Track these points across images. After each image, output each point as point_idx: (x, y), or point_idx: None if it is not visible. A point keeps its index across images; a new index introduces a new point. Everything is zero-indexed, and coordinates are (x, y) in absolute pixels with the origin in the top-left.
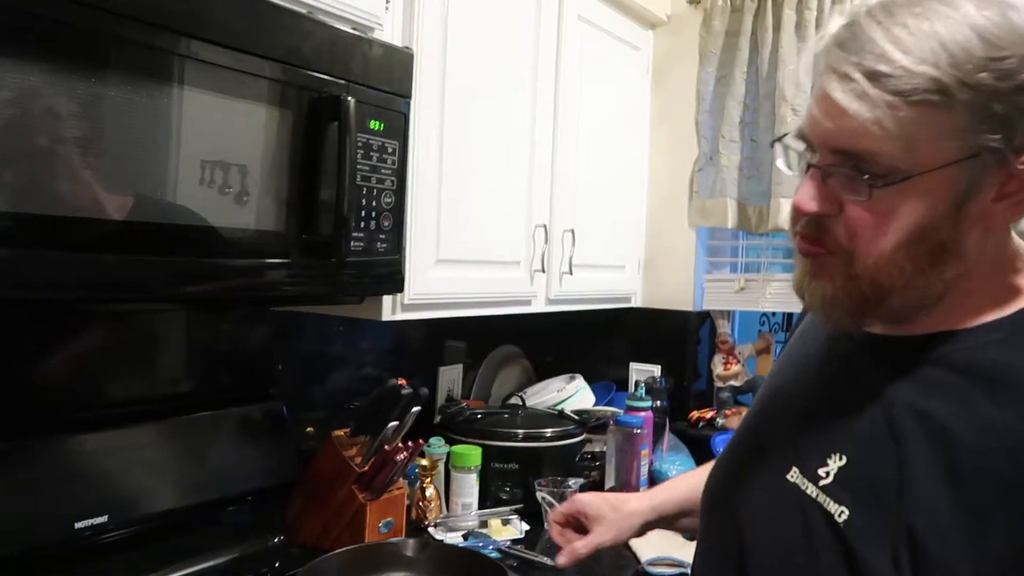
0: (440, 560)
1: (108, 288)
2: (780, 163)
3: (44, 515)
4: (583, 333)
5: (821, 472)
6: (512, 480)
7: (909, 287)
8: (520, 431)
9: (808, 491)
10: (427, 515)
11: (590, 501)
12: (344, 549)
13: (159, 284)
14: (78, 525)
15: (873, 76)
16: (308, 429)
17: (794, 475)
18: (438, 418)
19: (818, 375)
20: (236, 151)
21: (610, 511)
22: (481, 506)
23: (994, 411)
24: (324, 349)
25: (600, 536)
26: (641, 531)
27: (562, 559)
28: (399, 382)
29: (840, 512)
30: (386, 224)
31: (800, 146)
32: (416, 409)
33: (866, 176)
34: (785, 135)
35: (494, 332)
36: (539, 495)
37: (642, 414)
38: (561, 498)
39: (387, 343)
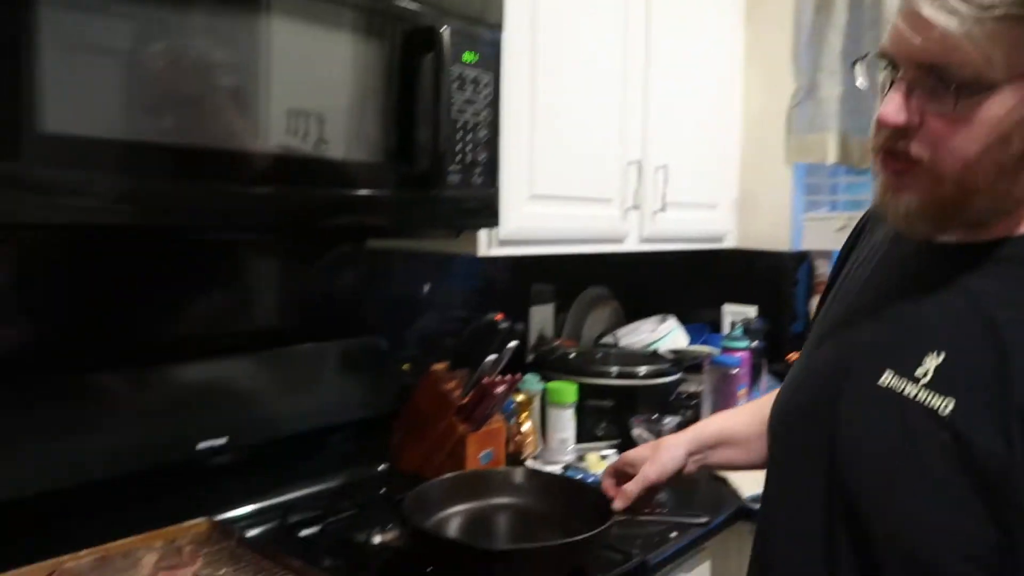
0: (548, 489)
1: (218, 216)
2: (860, 83)
3: (169, 436)
4: (674, 274)
5: (919, 372)
6: (607, 417)
7: (992, 191)
8: (614, 368)
9: (906, 391)
10: (523, 449)
11: (631, 452)
12: (456, 473)
13: (261, 213)
14: (200, 446)
15: None
16: (404, 366)
17: (887, 379)
18: (531, 356)
19: (894, 287)
20: (334, 83)
21: (651, 451)
22: (577, 443)
23: None
24: (417, 289)
25: (645, 473)
26: (684, 461)
27: (618, 503)
28: (497, 317)
29: (944, 405)
30: (481, 157)
31: (882, 64)
32: (513, 343)
33: (951, 87)
34: (867, 55)
35: (584, 273)
36: (634, 432)
37: (739, 354)
38: (657, 435)
39: (478, 284)
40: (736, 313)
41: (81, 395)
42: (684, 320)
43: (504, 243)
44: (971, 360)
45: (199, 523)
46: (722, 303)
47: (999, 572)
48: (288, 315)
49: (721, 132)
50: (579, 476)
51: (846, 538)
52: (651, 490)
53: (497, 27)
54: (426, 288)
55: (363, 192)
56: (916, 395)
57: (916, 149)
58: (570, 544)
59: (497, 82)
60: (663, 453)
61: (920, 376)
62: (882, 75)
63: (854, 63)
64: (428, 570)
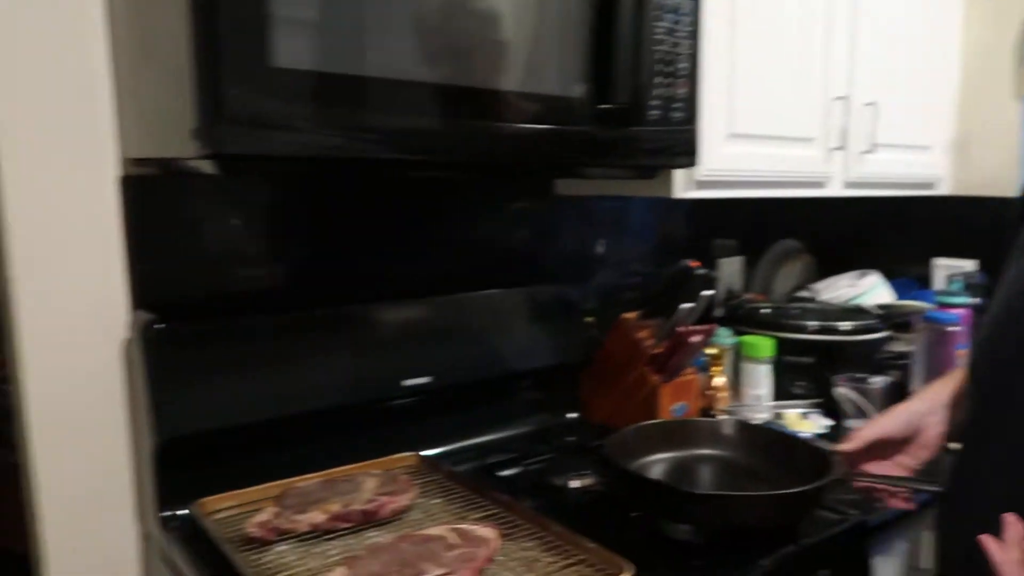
0: (757, 442)
1: (427, 149)
2: None
3: (378, 372)
4: (875, 225)
5: None
6: (806, 375)
7: None
8: (814, 323)
9: None
10: (715, 404)
11: (886, 426)
12: (658, 420)
13: (458, 147)
14: (405, 383)
15: None
16: (588, 319)
17: None
18: (720, 311)
19: None
20: (535, 14)
21: (918, 426)
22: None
23: None
24: (603, 238)
25: (917, 458)
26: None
27: (846, 445)
28: (691, 264)
29: None
30: (681, 92)
31: None
32: (708, 292)
33: None
34: None
35: (773, 225)
36: (838, 391)
37: (957, 311)
38: (865, 395)
39: (662, 235)
40: (950, 267)
41: (303, 330)
42: (886, 275)
43: (701, 185)
44: None
45: (407, 456)
46: (932, 256)
47: None
48: (482, 259)
49: (937, 66)
50: None
51: None
52: (886, 447)
53: None
54: (607, 239)
55: (563, 127)
56: None
57: None
58: (784, 496)
59: (697, 11)
60: (930, 432)
61: None
62: None
63: None
64: (633, 514)
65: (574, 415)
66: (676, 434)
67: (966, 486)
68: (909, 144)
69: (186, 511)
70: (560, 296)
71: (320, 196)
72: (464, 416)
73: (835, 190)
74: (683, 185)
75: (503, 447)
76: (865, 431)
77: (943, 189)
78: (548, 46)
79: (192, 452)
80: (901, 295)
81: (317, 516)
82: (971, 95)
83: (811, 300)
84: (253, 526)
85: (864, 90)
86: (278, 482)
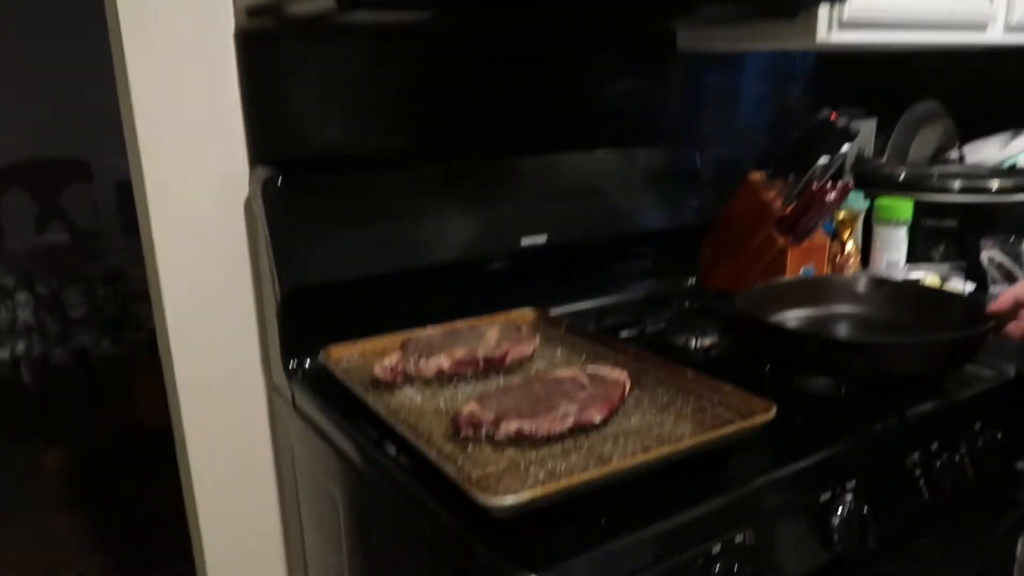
0: (899, 298)
1: None
2: None
3: (498, 229)
4: None
5: None
6: (946, 239)
7: None
8: (958, 183)
9: None
10: (845, 270)
11: None
12: (791, 277)
13: None
14: (524, 242)
15: None
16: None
17: None
18: (852, 174)
19: None
20: None
21: None
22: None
23: None
24: (722, 98)
25: None
26: None
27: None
28: (832, 115)
29: None
30: None
31: None
32: (848, 146)
33: None
34: None
35: (908, 86)
36: (985, 256)
37: None
38: (1016, 260)
39: (782, 96)
40: None
41: (422, 186)
42: None
43: (847, 26)
44: None
45: (527, 312)
46: None
47: None
48: (601, 118)
49: None
50: None
51: None
52: None
53: None
54: (731, 98)
55: None
56: None
57: None
58: (937, 343)
59: None
60: None
61: None
62: None
63: None
64: (766, 369)
65: (691, 281)
66: (809, 291)
67: None
68: None
69: (310, 362)
70: (680, 156)
71: (436, 54)
72: (580, 278)
73: (996, 35)
74: (826, 27)
75: (619, 310)
76: (1014, 291)
77: None
78: None
79: (315, 305)
80: None
81: (443, 360)
82: None
83: (955, 161)
84: (380, 369)
85: None
86: (401, 333)
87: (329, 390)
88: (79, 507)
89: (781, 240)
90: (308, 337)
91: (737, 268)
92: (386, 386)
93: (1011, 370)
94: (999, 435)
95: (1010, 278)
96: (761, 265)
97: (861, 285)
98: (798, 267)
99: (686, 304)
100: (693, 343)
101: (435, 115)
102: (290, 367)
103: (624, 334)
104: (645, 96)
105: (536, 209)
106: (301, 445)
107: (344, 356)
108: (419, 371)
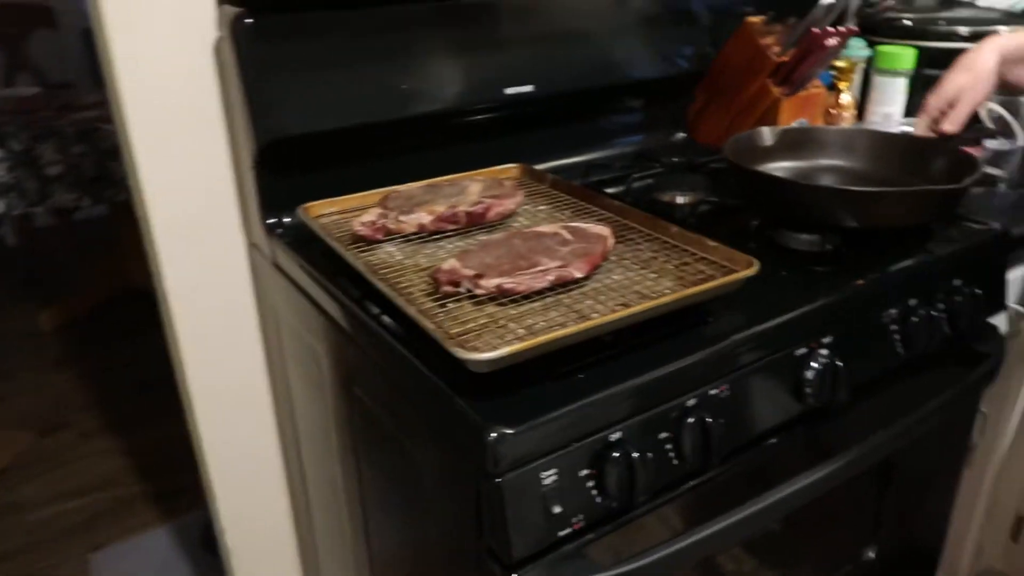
0: (889, 149)
1: None
2: None
3: (479, 77)
4: None
5: None
6: None
7: None
8: (966, 29)
9: None
10: (839, 123)
11: (948, 85)
12: (784, 127)
13: None
14: (507, 91)
15: None
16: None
17: None
18: (854, 21)
19: None
20: None
21: (967, 77)
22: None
23: None
24: None
25: (964, 102)
26: (997, 78)
27: (947, 126)
28: None
29: None
30: None
31: None
32: None
33: None
34: None
35: None
36: (985, 109)
37: None
38: (1015, 113)
39: None
40: None
41: (401, 26)
42: None
43: None
44: None
45: (510, 168)
46: None
47: None
48: None
49: None
50: None
51: None
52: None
53: None
54: None
55: None
56: None
57: None
58: (919, 192)
59: None
60: (975, 75)
61: None
62: None
63: None
64: (753, 224)
65: (680, 135)
66: (798, 142)
67: None
68: None
69: (290, 219)
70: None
71: None
72: (566, 132)
73: None
74: None
75: (606, 166)
76: (960, 109)
77: None
78: None
79: (291, 160)
80: None
81: (423, 216)
82: None
83: (965, 6)
84: (360, 226)
85: None
86: (380, 189)
87: (309, 248)
88: (75, 365)
89: (776, 90)
90: (287, 193)
91: (729, 121)
92: (367, 242)
93: (997, 225)
94: (977, 291)
95: (1010, 133)
96: (754, 117)
97: (854, 137)
98: (791, 119)
99: (674, 159)
100: (680, 199)
101: None
102: (268, 224)
103: (610, 190)
104: None
105: (522, 56)
106: (283, 303)
107: (323, 212)
108: (400, 227)
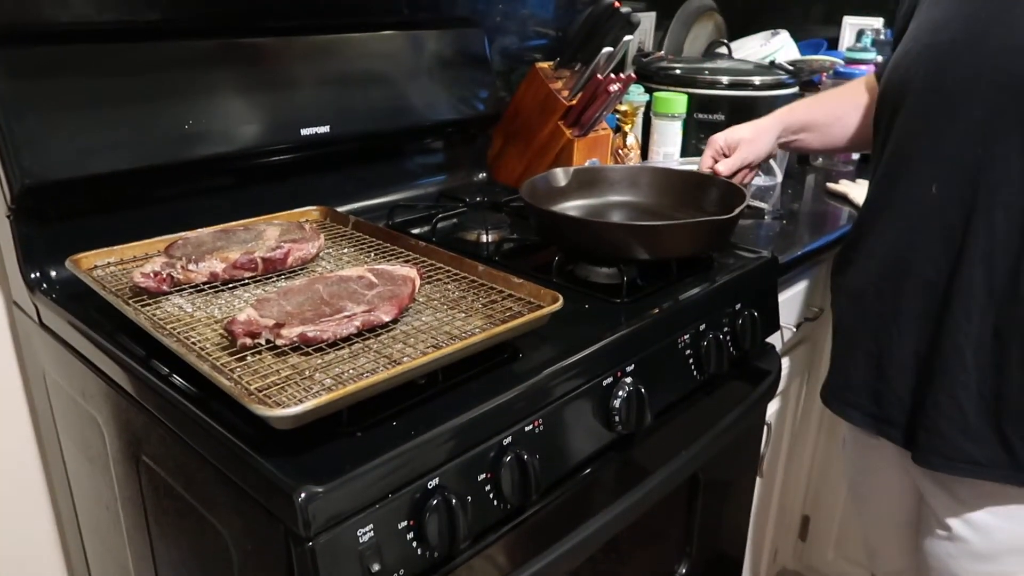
0: (670, 184)
1: None
2: None
3: (274, 118)
4: None
5: None
6: (717, 131)
7: None
8: (727, 79)
9: None
10: (625, 162)
11: (733, 133)
12: (572, 167)
13: None
14: (304, 132)
15: None
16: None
17: None
18: (633, 68)
19: None
20: None
21: (750, 133)
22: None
23: None
24: None
25: (744, 155)
26: (775, 145)
27: (721, 168)
28: (615, 4)
29: None
30: None
31: None
32: (629, 37)
33: None
34: None
35: None
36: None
37: (865, 67)
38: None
39: None
40: (860, 25)
41: (186, 64)
42: (797, 36)
43: None
44: None
45: (311, 211)
46: (842, 15)
47: None
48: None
49: None
50: None
51: (1015, 143)
52: (746, 168)
53: None
54: None
55: None
56: None
57: None
58: (695, 224)
59: None
60: (760, 138)
61: None
62: None
63: None
64: (556, 260)
65: (482, 175)
66: (590, 181)
67: (877, 212)
68: None
69: (58, 273)
70: (469, 42)
71: None
72: (369, 172)
73: None
74: None
75: (409, 207)
76: (732, 160)
77: None
78: None
79: (60, 207)
80: (810, 55)
81: (216, 264)
82: None
83: (724, 58)
84: (141, 277)
85: None
86: (166, 237)
87: (83, 304)
88: None
89: (569, 132)
90: (54, 243)
91: (526, 161)
92: (151, 295)
93: (766, 253)
94: (756, 313)
95: (770, 169)
96: (549, 158)
97: (638, 174)
98: (584, 159)
99: (477, 199)
100: (484, 237)
101: None
102: (32, 279)
103: (415, 231)
104: None
105: (318, 96)
106: (55, 367)
107: (99, 263)
108: (189, 276)
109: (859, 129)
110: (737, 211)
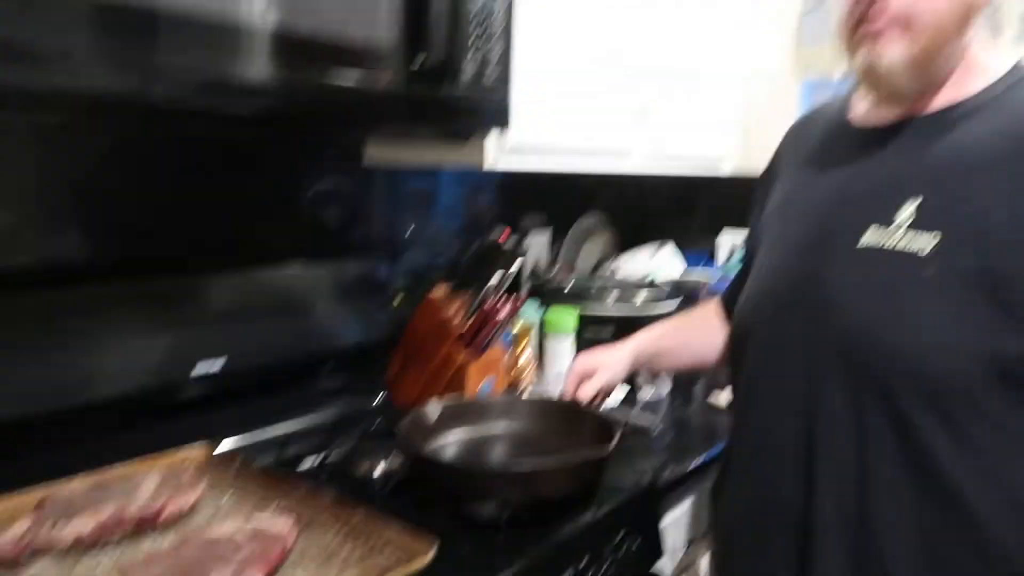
0: (548, 414)
1: (197, 92)
2: None
3: (161, 357)
4: (671, 201)
5: (900, 218)
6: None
7: (950, 47)
8: (613, 298)
9: (890, 241)
10: (521, 380)
11: (591, 359)
12: (451, 400)
13: (249, 97)
14: (195, 370)
15: None
16: (398, 296)
17: (869, 236)
18: (527, 286)
19: (851, 167)
20: None
21: (606, 359)
22: None
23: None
24: (412, 209)
25: (599, 381)
26: (631, 369)
27: (581, 398)
28: (500, 239)
29: (934, 236)
30: (495, 55)
31: None
32: (519, 263)
33: None
34: None
35: (576, 202)
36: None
37: None
38: (658, 374)
39: (476, 207)
40: (733, 241)
41: (69, 310)
42: (681, 248)
43: (514, 151)
44: (944, 199)
45: (195, 451)
46: (719, 230)
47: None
48: (279, 232)
49: (728, 50)
50: None
51: (837, 382)
52: (604, 392)
53: None
54: (417, 213)
55: (369, 82)
56: (897, 245)
57: (897, 5)
58: (573, 464)
59: None
60: (617, 364)
61: (902, 221)
62: None
63: None
64: (437, 498)
65: (381, 398)
66: (465, 412)
67: (737, 443)
68: (702, 123)
69: None
70: (367, 272)
71: (92, 149)
72: (261, 404)
73: (636, 162)
74: (495, 152)
75: (305, 436)
76: (588, 390)
77: (728, 168)
78: None
79: None
80: (692, 267)
81: (83, 525)
82: (758, 77)
83: (611, 274)
84: (2, 544)
85: (664, 68)
86: (35, 489)
87: None
88: None
89: (462, 355)
90: None
91: (424, 382)
92: (11, 564)
93: (646, 478)
94: (639, 540)
95: (653, 380)
96: (446, 379)
97: (515, 404)
98: (479, 380)
99: (375, 424)
100: (376, 470)
101: (89, 223)
102: None
103: (307, 463)
104: (333, 207)
105: (211, 332)
106: None
107: None
108: (52, 540)
109: (707, 353)
110: (612, 445)
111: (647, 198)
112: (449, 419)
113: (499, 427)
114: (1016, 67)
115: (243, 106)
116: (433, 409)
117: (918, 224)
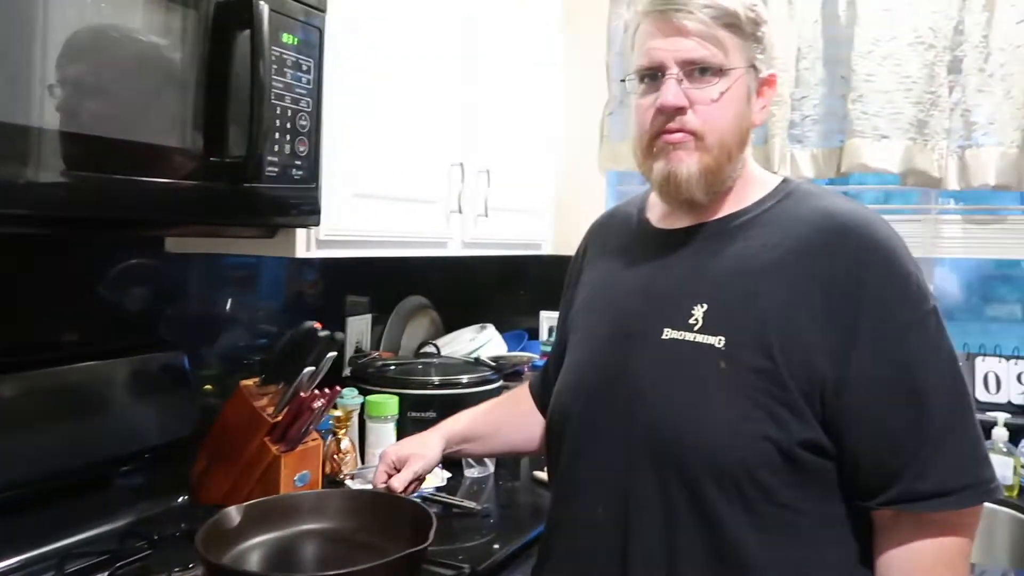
0: (361, 508)
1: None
2: (631, 95)
3: None
4: (493, 282)
5: (691, 321)
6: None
7: (735, 160)
8: (436, 378)
9: (686, 338)
10: (342, 468)
11: (403, 448)
12: (254, 501)
13: (42, 201)
14: None
15: (703, 8)
16: (207, 387)
17: (668, 333)
18: (348, 369)
19: (650, 267)
20: (135, 54)
21: (417, 446)
22: None
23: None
24: (221, 298)
25: (412, 468)
26: (442, 455)
27: (395, 486)
28: (315, 325)
29: (719, 340)
30: (302, 149)
31: (639, 78)
32: (332, 354)
33: (707, 73)
34: (630, 74)
35: (401, 283)
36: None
37: None
38: None
39: (289, 294)
40: (554, 319)
41: None
42: (503, 328)
43: (324, 244)
44: (729, 303)
45: None
46: (540, 309)
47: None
48: (74, 328)
49: (542, 138)
50: None
51: (646, 468)
52: (418, 479)
53: (320, 10)
54: (231, 299)
55: (167, 181)
56: (695, 339)
57: (693, 122)
58: (387, 564)
59: (320, 69)
60: (427, 452)
61: (693, 323)
62: (640, 87)
63: (621, 80)
64: None
65: (184, 498)
66: (272, 512)
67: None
68: (518, 208)
69: None
70: (170, 364)
71: None
72: (40, 518)
73: (455, 250)
74: (305, 244)
75: (92, 549)
76: (402, 477)
77: (547, 248)
78: (147, 91)
79: None
80: (514, 346)
81: None
82: (568, 166)
83: (436, 354)
84: None
85: (479, 157)
86: None
87: None
88: None
89: (275, 448)
90: None
91: (233, 480)
92: None
93: (467, 568)
94: None
95: (482, 462)
96: (256, 475)
97: (325, 499)
98: (294, 473)
99: (173, 530)
100: None
101: None
102: None
103: None
104: (136, 299)
105: None
106: None
107: None
108: None
109: (517, 441)
110: (430, 539)
111: (471, 278)
112: (253, 521)
113: (309, 526)
114: (784, 182)
115: (23, 207)
116: (235, 512)
117: (704, 329)
